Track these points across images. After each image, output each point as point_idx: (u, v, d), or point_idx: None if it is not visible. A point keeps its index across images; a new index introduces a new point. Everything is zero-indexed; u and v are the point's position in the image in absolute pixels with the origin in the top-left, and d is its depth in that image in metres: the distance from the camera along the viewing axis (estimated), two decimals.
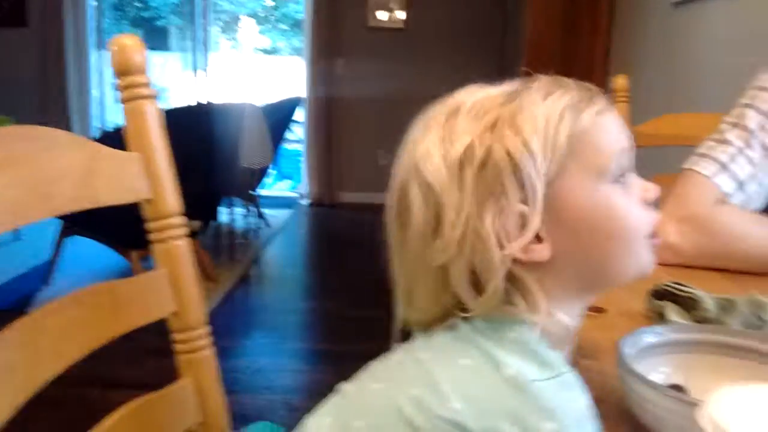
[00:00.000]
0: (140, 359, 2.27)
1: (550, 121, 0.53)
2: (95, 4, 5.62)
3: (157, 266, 0.80)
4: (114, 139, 0.80)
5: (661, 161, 1.60)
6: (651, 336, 0.62)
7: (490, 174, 0.52)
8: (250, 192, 4.71)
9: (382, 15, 5.48)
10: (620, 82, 1.50)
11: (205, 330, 0.83)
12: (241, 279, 3.79)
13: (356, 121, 5.68)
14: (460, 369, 0.52)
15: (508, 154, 0.52)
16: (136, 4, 7.46)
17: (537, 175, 0.52)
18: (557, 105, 0.54)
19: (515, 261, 0.53)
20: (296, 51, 7.03)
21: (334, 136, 5.77)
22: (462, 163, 0.53)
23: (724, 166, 1.07)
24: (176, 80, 6.42)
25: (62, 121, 5.47)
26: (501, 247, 0.52)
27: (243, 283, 3.77)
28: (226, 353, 2.77)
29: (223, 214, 4.02)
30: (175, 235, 0.80)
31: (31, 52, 5.40)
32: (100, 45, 5.72)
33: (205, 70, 6.07)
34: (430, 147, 0.55)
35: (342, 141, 5.81)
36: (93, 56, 5.61)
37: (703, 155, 1.10)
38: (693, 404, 0.46)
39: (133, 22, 7.51)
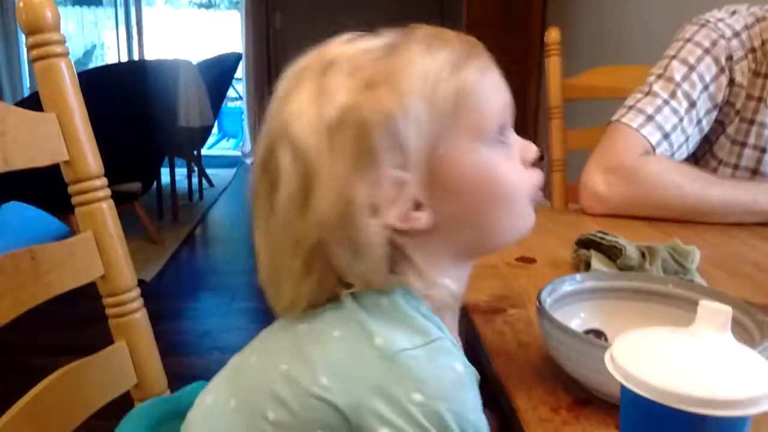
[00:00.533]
0: (85, 325, 2.23)
1: (430, 79, 0.50)
2: None
3: (81, 229, 0.78)
4: (31, 105, 0.76)
5: (593, 113, 1.62)
6: (570, 284, 0.64)
7: (365, 138, 0.48)
8: (193, 152, 4.62)
9: None
10: (553, 35, 1.51)
11: (135, 293, 0.82)
12: (186, 240, 3.74)
13: None
14: (332, 341, 0.50)
15: (384, 115, 0.48)
16: None
17: (415, 138, 0.49)
18: (437, 62, 0.51)
19: (396, 230, 0.50)
20: (234, 5, 6.84)
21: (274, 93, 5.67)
22: (336, 126, 0.49)
23: (649, 118, 1.10)
24: (109, 37, 6.20)
25: None
26: (378, 216, 0.49)
27: (188, 245, 3.73)
28: (174, 315, 2.74)
29: (165, 175, 3.93)
30: (98, 198, 0.77)
31: None
32: None
33: (139, 26, 5.86)
34: (302, 105, 0.50)
35: None
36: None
37: (630, 107, 1.13)
38: (603, 347, 0.47)
39: None
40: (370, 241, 0.49)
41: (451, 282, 0.52)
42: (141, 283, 0.82)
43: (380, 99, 0.49)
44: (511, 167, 0.54)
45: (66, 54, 0.76)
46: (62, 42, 0.75)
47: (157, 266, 3.18)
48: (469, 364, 0.50)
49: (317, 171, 0.49)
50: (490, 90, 0.53)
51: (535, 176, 0.56)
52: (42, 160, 0.74)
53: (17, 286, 0.70)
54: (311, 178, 0.49)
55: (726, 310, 0.41)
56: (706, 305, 0.41)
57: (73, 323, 2.09)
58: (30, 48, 0.74)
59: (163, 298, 2.84)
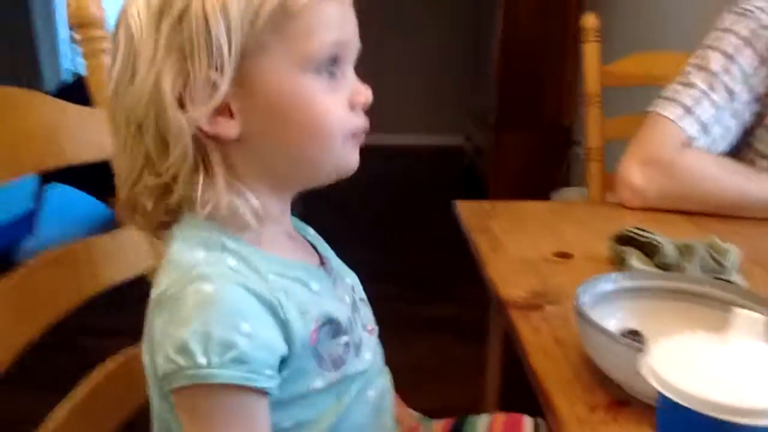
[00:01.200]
0: (133, 307, 2.29)
1: None
2: None
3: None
4: (74, 89, 0.79)
5: (632, 101, 1.61)
6: (607, 283, 0.65)
7: (184, 30, 0.51)
8: None
9: None
10: (590, 20, 1.50)
11: None
12: None
13: None
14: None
15: (205, 14, 0.50)
16: None
17: (230, 43, 0.51)
18: None
19: (203, 131, 0.52)
20: None
21: None
22: (161, 12, 0.51)
23: (688, 110, 1.09)
24: None
25: (31, 63, 5.33)
26: (185, 110, 0.51)
27: None
28: None
29: None
30: None
31: None
32: None
33: None
34: None
35: None
36: None
37: (668, 98, 1.12)
38: (639, 349, 0.49)
39: None
40: (176, 133, 0.52)
41: (253, 197, 0.55)
42: None
43: None
44: (331, 102, 0.55)
45: None
46: (109, 38, 0.78)
47: None
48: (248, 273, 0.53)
49: (140, 52, 0.52)
50: (326, 18, 0.54)
51: (358, 120, 0.57)
52: (93, 154, 0.76)
53: (75, 278, 0.73)
54: (135, 58, 0.52)
55: (761, 319, 0.42)
56: (740, 313, 0.42)
57: (119, 305, 2.14)
58: (79, 43, 0.77)
59: None
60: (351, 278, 0.68)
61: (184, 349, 0.49)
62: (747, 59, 1.11)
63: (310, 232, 0.70)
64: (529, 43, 3.34)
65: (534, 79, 3.39)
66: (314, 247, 0.66)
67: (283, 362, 0.54)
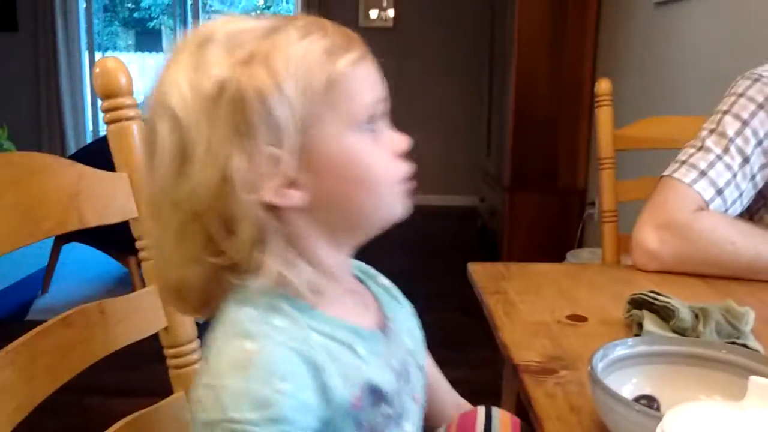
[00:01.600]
0: (140, 365, 2.29)
1: (305, 64, 0.53)
2: (85, 5, 5.61)
3: (147, 284, 0.82)
4: (93, 152, 0.81)
5: (644, 164, 1.62)
6: (622, 348, 0.64)
7: (240, 112, 0.51)
8: None
9: (373, 13, 5.48)
10: (603, 86, 1.52)
11: (195, 344, 0.85)
12: None
13: None
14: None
15: (260, 94, 0.51)
16: (128, 5, 7.45)
17: (289, 118, 0.52)
18: (314, 48, 0.53)
19: (269, 206, 0.53)
20: None
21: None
22: (213, 97, 0.51)
23: (702, 173, 1.10)
24: None
25: (56, 126, 5.47)
26: (252, 191, 0.51)
27: None
28: None
29: None
30: None
31: (23, 56, 5.40)
32: (91, 47, 5.71)
33: None
34: (179, 76, 0.53)
35: None
36: (85, 58, 5.61)
37: (682, 162, 1.12)
38: (653, 416, 0.48)
39: (124, 24, 7.50)
40: (243, 214, 0.52)
41: (309, 266, 0.55)
42: (196, 325, 0.85)
43: (256, 76, 0.51)
44: (378, 154, 0.58)
45: (138, 117, 0.80)
46: (134, 106, 0.80)
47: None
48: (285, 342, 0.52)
49: (193, 142, 0.51)
50: (362, 82, 0.56)
51: (403, 166, 0.60)
52: (113, 218, 0.78)
53: (86, 340, 0.73)
54: (187, 148, 0.52)
55: None
56: (755, 381, 0.42)
57: (127, 364, 2.14)
58: (104, 111, 0.79)
59: None
60: (413, 341, 0.68)
61: (220, 404, 0.50)
62: (760, 123, 1.12)
63: (381, 281, 0.71)
64: (543, 105, 3.39)
65: (548, 142, 3.43)
66: (379, 301, 0.66)
67: (321, 424, 0.53)
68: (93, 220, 0.75)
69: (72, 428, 2.07)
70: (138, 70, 6.84)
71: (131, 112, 0.79)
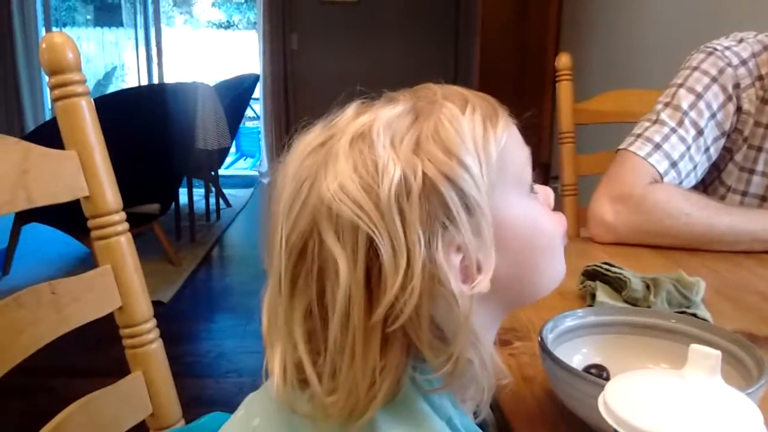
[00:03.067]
0: (101, 346, 2.28)
1: (477, 136, 0.48)
2: None
3: (100, 262, 0.80)
4: (49, 131, 0.79)
5: (606, 138, 1.63)
6: (572, 319, 0.65)
7: (433, 202, 0.44)
8: (211, 173, 4.68)
9: None
10: (563, 60, 1.53)
11: (152, 323, 0.84)
12: (203, 261, 3.78)
13: (313, 97, 5.65)
14: None
15: (446, 176, 0.45)
16: None
17: (479, 195, 0.46)
18: (476, 118, 0.49)
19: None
20: (252, 25, 6.93)
21: (291, 113, 5.73)
22: (397, 195, 0.44)
23: (657, 146, 1.11)
24: (129, 58, 6.31)
25: (14, 104, 5.34)
26: (461, 281, 0.45)
27: (205, 265, 3.77)
28: (190, 337, 2.77)
29: (183, 196, 3.99)
30: (116, 232, 0.80)
31: None
32: (48, 22, 5.57)
33: (159, 46, 5.96)
34: (345, 181, 0.44)
35: (299, 118, 5.78)
36: (42, 34, 5.47)
37: (638, 135, 1.14)
38: (601, 386, 0.49)
39: None
40: (458, 313, 0.45)
41: (488, 344, 0.49)
42: (158, 304, 0.85)
43: (438, 160, 0.45)
44: (546, 215, 0.55)
45: (86, 93, 0.79)
46: (83, 82, 0.78)
47: (175, 287, 3.21)
48: None
49: (385, 246, 0.43)
50: (519, 143, 0.53)
51: (564, 219, 0.57)
52: (63, 196, 0.76)
53: (38, 320, 0.72)
54: (375, 255, 0.43)
55: (715, 354, 0.42)
56: (696, 349, 0.43)
57: (90, 345, 2.13)
58: (52, 88, 0.77)
59: (180, 320, 2.87)
60: None
61: None
62: (714, 96, 1.14)
63: None
64: (507, 81, 3.40)
65: (512, 115, 3.43)
66: None
67: None
68: (42, 199, 0.74)
69: (37, 409, 2.05)
70: (97, 46, 6.69)
71: (79, 88, 0.77)
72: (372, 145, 0.46)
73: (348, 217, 0.44)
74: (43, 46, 0.76)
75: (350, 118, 0.49)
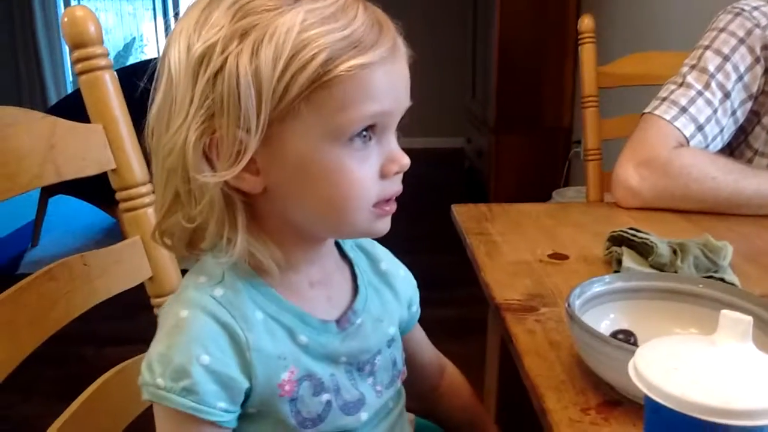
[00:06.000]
0: (133, 315, 2.31)
1: (297, 56, 0.48)
2: None
3: (128, 234, 0.81)
4: (72, 104, 0.79)
5: (629, 101, 1.61)
6: (599, 285, 0.65)
7: (217, 88, 0.49)
8: None
9: None
10: (586, 22, 1.50)
11: None
12: None
13: None
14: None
15: (237, 76, 0.48)
16: None
17: (259, 108, 0.49)
18: (318, 41, 0.48)
19: (229, 186, 0.52)
20: None
21: None
22: (199, 64, 0.50)
23: (683, 109, 1.09)
24: (148, 29, 6.29)
25: (36, 78, 5.37)
26: (212, 167, 0.51)
27: None
28: None
29: None
30: (143, 204, 0.81)
31: None
32: None
33: (176, 17, 5.91)
34: (183, 30, 0.52)
35: None
36: (61, 7, 5.47)
37: (663, 99, 1.12)
38: (629, 351, 0.49)
39: None
40: (201, 187, 0.52)
41: (275, 247, 0.55)
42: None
43: (244, 54, 0.48)
44: (360, 172, 0.53)
45: (110, 66, 0.79)
46: (105, 55, 0.78)
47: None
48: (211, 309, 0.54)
49: (176, 100, 0.51)
50: (368, 90, 0.51)
51: (389, 187, 0.55)
52: (90, 170, 0.77)
53: (70, 292, 0.74)
54: (172, 104, 0.52)
55: (746, 320, 0.42)
56: (727, 314, 0.42)
57: (120, 313, 2.18)
58: (75, 62, 0.77)
59: None
60: (394, 326, 0.66)
61: (149, 366, 0.53)
62: (741, 58, 1.11)
63: (382, 267, 0.68)
64: (527, 46, 3.35)
65: (533, 81, 3.39)
66: (357, 294, 0.64)
67: (248, 397, 0.55)
68: (70, 173, 0.75)
69: (68, 377, 2.10)
70: (115, 17, 6.68)
71: (102, 62, 0.78)
72: (219, 9, 0.50)
73: (170, 59, 0.52)
74: (65, 20, 0.76)
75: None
